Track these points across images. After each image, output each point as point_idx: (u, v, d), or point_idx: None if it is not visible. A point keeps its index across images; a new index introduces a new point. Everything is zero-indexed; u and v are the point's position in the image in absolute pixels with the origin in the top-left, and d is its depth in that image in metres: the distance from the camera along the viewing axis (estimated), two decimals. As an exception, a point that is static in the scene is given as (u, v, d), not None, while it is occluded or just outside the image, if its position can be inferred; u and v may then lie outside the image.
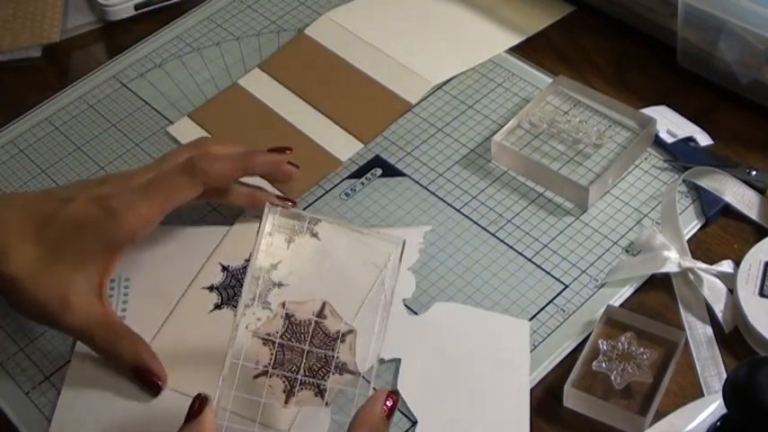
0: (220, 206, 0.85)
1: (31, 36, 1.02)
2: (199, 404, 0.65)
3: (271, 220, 0.71)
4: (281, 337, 0.68)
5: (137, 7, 1.03)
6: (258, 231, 0.70)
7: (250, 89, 0.94)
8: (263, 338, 0.68)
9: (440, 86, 0.92)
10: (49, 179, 0.90)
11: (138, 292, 0.80)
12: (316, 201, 0.85)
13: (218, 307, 0.79)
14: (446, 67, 0.93)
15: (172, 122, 0.93)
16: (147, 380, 0.73)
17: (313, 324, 0.69)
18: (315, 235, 0.75)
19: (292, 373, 0.68)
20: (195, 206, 0.82)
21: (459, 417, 0.71)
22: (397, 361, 0.74)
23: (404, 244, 0.70)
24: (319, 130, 0.90)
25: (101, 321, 0.73)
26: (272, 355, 0.68)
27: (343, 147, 0.89)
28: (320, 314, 0.69)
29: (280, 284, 0.74)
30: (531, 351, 0.74)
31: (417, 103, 0.91)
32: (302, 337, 0.69)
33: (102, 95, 0.97)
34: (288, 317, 0.69)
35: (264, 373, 0.68)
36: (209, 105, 0.94)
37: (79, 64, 1.01)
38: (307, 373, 0.68)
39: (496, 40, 0.96)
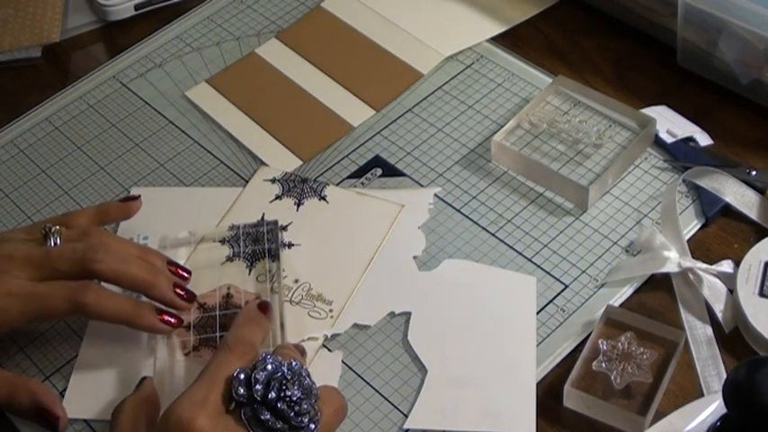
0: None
1: (31, 36, 1.02)
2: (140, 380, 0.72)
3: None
4: (198, 320, 0.76)
5: (137, 7, 1.03)
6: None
7: (266, 57, 0.97)
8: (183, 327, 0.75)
9: (441, 86, 0.92)
10: (49, 179, 0.90)
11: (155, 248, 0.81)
12: (316, 201, 0.86)
13: (230, 259, 0.80)
14: (459, 39, 0.95)
15: (172, 122, 0.93)
16: (49, 419, 0.72)
17: (224, 298, 0.78)
18: (323, 198, 0.84)
19: (213, 334, 0.75)
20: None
21: (467, 367, 0.73)
22: (408, 314, 0.76)
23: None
24: (332, 97, 0.93)
25: None
26: (195, 333, 0.76)
27: (356, 113, 0.91)
28: (227, 294, 0.78)
29: (290, 245, 0.81)
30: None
31: (418, 103, 0.91)
32: (215, 311, 0.77)
33: (102, 95, 0.97)
34: (201, 305, 0.77)
35: (194, 348, 0.75)
36: (226, 72, 0.97)
37: (79, 64, 1.01)
38: (223, 331, 0.75)
39: (510, 12, 0.97)
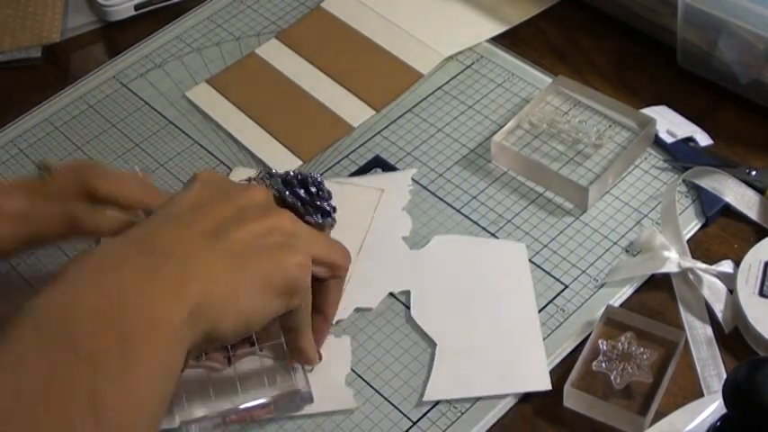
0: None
1: (31, 36, 1.02)
2: None
3: None
4: None
5: (137, 7, 1.03)
6: None
7: (266, 58, 0.97)
8: None
9: (441, 86, 0.92)
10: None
11: None
12: (316, 201, 0.86)
13: None
14: (459, 40, 0.95)
15: (172, 122, 0.93)
16: None
17: None
18: None
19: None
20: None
21: (474, 334, 0.74)
22: (407, 292, 0.77)
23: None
24: (332, 97, 0.93)
25: None
26: None
27: (356, 113, 0.91)
28: None
29: None
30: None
31: (418, 103, 0.91)
32: None
33: (102, 96, 0.97)
34: None
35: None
36: (226, 72, 0.97)
37: (79, 64, 1.01)
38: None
39: (510, 12, 0.97)
